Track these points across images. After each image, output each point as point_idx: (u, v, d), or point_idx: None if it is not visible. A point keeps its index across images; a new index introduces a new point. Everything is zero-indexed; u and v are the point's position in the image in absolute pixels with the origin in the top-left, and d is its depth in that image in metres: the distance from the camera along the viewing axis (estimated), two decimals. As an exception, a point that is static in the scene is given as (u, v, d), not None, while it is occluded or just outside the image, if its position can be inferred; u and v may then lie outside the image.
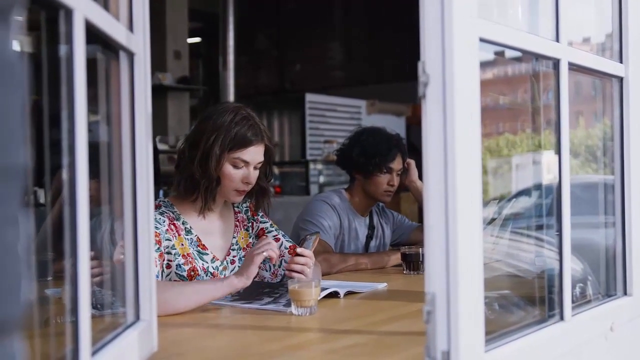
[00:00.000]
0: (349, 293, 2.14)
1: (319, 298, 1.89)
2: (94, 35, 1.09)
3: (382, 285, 2.31)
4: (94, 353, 1.07)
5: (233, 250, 2.31)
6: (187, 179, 2.18)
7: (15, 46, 0.54)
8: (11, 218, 0.52)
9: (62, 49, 0.99)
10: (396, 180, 2.97)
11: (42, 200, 2.63)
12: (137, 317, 1.35)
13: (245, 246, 2.34)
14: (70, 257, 0.99)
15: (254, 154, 2.19)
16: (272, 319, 1.81)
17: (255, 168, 2.21)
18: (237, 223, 2.36)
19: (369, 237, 3.09)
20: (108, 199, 1.37)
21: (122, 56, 1.32)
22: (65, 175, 1.00)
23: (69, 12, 0.97)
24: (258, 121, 2.22)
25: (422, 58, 1.17)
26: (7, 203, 0.52)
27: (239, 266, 2.28)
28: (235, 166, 2.18)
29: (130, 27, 1.33)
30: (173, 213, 2.20)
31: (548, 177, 1.93)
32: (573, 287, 1.57)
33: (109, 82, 1.33)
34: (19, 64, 0.53)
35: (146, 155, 1.37)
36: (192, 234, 2.21)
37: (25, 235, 0.56)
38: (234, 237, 2.33)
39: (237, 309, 1.96)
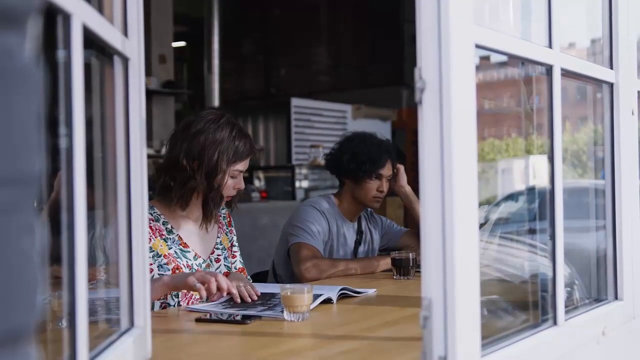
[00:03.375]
0: (342, 296, 2.15)
1: (313, 306, 1.89)
2: (89, 40, 1.08)
3: (372, 291, 2.31)
4: (90, 360, 1.06)
5: (217, 249, 2.37)
6: (189, 192, 2.23)
7: (31, 53, 0.54)
8: (27, 225, 0.52)
9: (60, 54, 0.98)
10: (385, 187, 2.97)
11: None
12: (132, 324, 1.34)
13: (227, 248, 2.42)
14: (68, 263, 0.98)
15: (248, 163, 2.31)
16: (265, 325, 1.80)
17: (243, 174, 2.32)
18: (220, 225, 2.43)
19: (358, 243, 3.08)
20: (101, 204, 1.36)
21: (117, 61, 1.31)
22: (62, 180, 0.99)
23: (67, 17, 0.97)
24: (246, 131, 2.34)
25: (419, 64, 1.17)
26: (23, 210, 0.52)
27: (224, 264, 2.37)
28: (233, 177, 2.27)
29: (125, 32, 1.32)
30: (152, 214, 2.21)
31: (535, 182, 1.94)
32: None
33: (103, 87, 1.32)
34: (36, 71, 0.53)
35: (140, 160, 1.36)
36: (173, 233, 2.25)
37: (39, 242, 0.55)
38: (218, 237, 2.40)
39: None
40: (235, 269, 2.38)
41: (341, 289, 2.15)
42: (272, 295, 2.15)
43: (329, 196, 3.08)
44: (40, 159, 0.55)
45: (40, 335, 1.17)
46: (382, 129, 7.33)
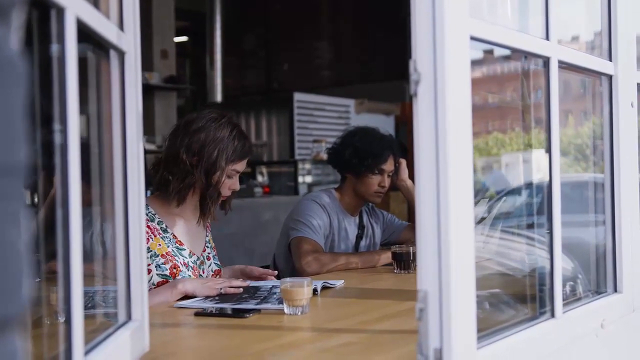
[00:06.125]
0: (324, 288, 2.20)
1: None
2: (84, 34, 1.08)
3: (340, 282, 2.33)
4: (86, 353, 1.06)
5: (208, 247, 2.41)
6: (187, 187, 2.24)
7: (16, 45, 0.54)
8: (13, 215, 0.52)
9: (53, 48, 0.98)
10: (387, 182, 2.97)
11: (28, 201, 2.62)
12: (129, 317, 1.35)
13: (213, 247, 2.46)
14: (63, 258, 0.98)
15: (245, 164, 2.33)
16: (263, 318, 1.81)
17: (241, 174, 2.34)
18: (208, 224, 2.46)
19: (359, 237, 3.09)
20: (98, 199, 1.36)
21: (113, 55, 1.31)
22: (57, 176, 0.99)
23: (60, 11, 0.97)
24: (246, 133, 2.37)
25: (414, 56, 1.17)
26: (9, 200, 0.52)
27: (214, 262, 2.41)
28: (229, 177, 2.28)
29: (121, 26, 1.32)
30: (147, 214, 2.22)
31: (537, 176, 1.94)
32: (563, 285, 1.57)
33: (99, 81, 1.32)
34: (20, 62, 0.53)
35: (137, 155, 1.36)
36: (168, 232, 2.27)
37: (26, 233, 0.56)
38: (207, 236, 2.43)
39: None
40: (212, 271, 2.39)
41: (323, 286, 2.20)
42: (257, 288, 2.16)
43: (330, 190, 3.08)
44: (24, 149, 0.55)
45: (38, 329, 1.17)
46: (385, 124, 7.32)
